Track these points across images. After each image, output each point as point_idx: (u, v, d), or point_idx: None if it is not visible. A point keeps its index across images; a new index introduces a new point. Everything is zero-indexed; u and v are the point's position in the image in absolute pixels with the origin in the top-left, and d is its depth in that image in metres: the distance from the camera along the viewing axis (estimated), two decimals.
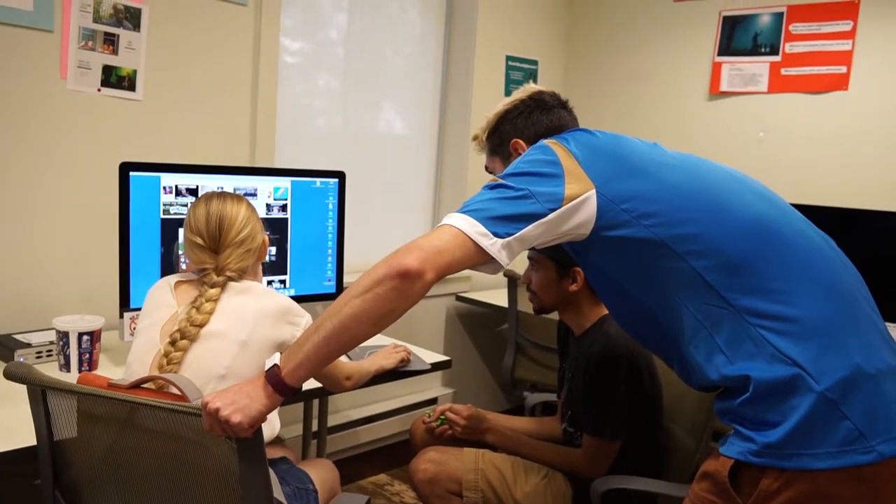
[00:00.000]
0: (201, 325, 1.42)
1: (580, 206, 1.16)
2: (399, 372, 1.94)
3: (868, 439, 1.04)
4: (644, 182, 1.18)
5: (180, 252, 1.94)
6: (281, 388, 1.18)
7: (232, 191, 1.98)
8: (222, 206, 1.51)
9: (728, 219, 1.16)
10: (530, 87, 1.52)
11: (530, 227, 1.15)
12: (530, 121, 1.46)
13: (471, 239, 1.12)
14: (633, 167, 1.20)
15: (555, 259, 1.80)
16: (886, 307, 2.40)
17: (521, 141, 1.45)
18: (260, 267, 1.64)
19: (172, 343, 1.40)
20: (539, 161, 1.20)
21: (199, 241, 1.49)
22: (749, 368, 1.10)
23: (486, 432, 1.92)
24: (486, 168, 1.54)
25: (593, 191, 1.17)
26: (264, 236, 1.59)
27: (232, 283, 1.49)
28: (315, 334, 1.16)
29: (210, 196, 1.54)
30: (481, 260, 1.15)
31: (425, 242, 1.13)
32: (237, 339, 1.42)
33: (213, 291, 1.45)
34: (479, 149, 1.57)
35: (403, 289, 1.10)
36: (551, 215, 1.15)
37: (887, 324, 1.15)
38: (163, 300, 1.49)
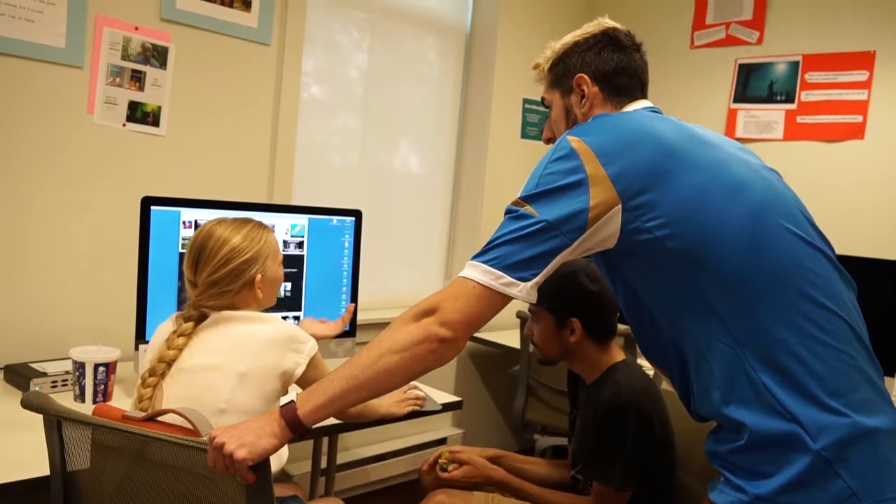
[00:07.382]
0: (170, 362, 1.40)
1: (604, 224, 1.13)
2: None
3: (860, 500, 1.03)
4: (670, 190, 1.12)
5: None
6: (295, 425, 1.18)
7: None
8: (215, 228, 1.45)
9: (761, 254, 1.10)
10: (604, 22, 1.39)
11: (555, 259, 1.14)
12: (601, 57, 1.34)
13: (498, 293, 1.13)
14: (661, 171, 1.13)
15: (551, 310, 1.79)
16: None
17: (586, 77, 1.34)
18: (257, 295, 1.48)
19: (142, 381, 1.40)
20: (560, 173, 1.14)
21: (186, 268, 1.46)
22: (744, 416, 1.08)
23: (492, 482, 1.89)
24: (543, 100, 1.45)
25: (619, 206, 1.12)
26: (263, 272, 1.47)
27: (229, 312, 1.44)
28: (343, 381, 1.18)
29: (217, 219, 1.49)
30: (508, 302, 1.16)
31: (455, 307, 1.14)
32: (235, 372, 1.39)
33: (185, 325, 1.43)
34: (539, 79, 1.46)
35: (442, 353, 1.16)
36: (575, 243, 1.14)
37: None
38: (161, 335, 1.48)
